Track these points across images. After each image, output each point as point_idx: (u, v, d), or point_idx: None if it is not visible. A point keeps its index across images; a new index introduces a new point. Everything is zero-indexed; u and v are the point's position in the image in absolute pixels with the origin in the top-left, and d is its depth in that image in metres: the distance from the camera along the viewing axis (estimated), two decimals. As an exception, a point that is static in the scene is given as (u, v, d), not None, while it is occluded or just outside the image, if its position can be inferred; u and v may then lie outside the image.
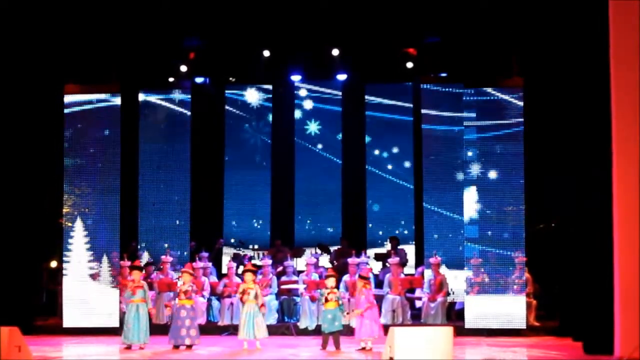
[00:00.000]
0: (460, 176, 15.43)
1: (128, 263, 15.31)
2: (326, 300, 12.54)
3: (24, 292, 14.96)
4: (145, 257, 16.38)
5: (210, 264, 16.25)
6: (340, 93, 18.49)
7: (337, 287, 13.09)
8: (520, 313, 14.27)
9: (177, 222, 16.58)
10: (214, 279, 16.08)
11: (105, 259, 14.91)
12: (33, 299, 15.60)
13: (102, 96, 15.31)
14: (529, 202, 14.47)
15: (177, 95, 16.92)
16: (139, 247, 16.73)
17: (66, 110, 15.23)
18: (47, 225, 15.60)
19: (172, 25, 15.50)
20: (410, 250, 17.45)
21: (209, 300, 15.66)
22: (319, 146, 18.68)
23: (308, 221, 18.53)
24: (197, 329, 12.91)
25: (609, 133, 11.05)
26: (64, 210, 15.08)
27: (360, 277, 13.07)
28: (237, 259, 17.08)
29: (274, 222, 18.43)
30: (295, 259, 16.69)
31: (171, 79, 16.96)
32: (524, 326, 14.26)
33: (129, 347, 12.79)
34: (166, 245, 16.27)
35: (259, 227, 18.44)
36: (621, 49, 11.01)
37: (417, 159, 17.37)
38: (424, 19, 15.29)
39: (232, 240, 18.38)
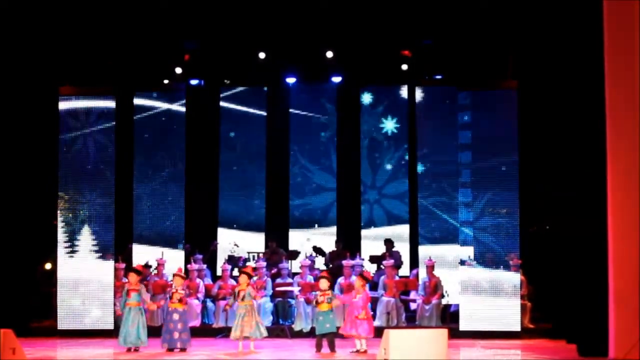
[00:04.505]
0: (455, 177, 15.45)
1: (123, 265, 15.29)
2: (318, 302, 12.55)
3: (18, 295, 14.94)
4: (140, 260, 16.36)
5: (204, 266, 16.24)
6: (335, 95, 18.50)
7: (332, 289, 13.07)
8: (515, 315, 14.29)
9: (172, 224, 16.54)
10: (208, 281, 16.08)
11: (100, 261, 14.92)
12: (28, 301, 15.57)
13: (98, 100, 15.30)
14: (524, 204, 14.49)
15: (172, 97, 16.92)
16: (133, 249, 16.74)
17: (61, 112, 15.21)
18: (41, 227, 15.58)
19: (167, 27, 15.54)
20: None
21: (204, 302, 15.65)
22: (313, 147, 18.63)
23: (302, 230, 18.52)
24: (188, 332, 12.83)
25: (603, 135, 11.07)
26: (59, 212, 15.05)
27: (362, 276, 13.02)
28: (232, 261, 17.06)
29: (269, 222, 18.40)
30: (290, 261, 16.69)
31: (166, 81, 16.96)
32: (518, 328, 14.29)
33: (129, 350, 12.76)
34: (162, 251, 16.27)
35: (255, 227, 18.43)
36: (615, 50, 11.04)
37: (411, 158, 17.41)
38: (418, 22, 15.32)
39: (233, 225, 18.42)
